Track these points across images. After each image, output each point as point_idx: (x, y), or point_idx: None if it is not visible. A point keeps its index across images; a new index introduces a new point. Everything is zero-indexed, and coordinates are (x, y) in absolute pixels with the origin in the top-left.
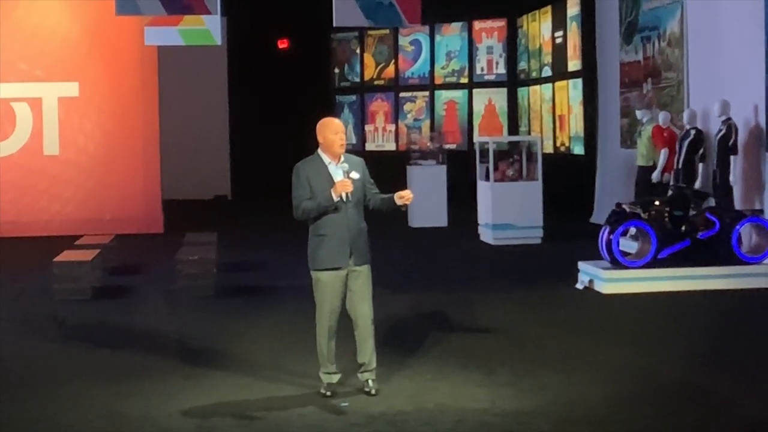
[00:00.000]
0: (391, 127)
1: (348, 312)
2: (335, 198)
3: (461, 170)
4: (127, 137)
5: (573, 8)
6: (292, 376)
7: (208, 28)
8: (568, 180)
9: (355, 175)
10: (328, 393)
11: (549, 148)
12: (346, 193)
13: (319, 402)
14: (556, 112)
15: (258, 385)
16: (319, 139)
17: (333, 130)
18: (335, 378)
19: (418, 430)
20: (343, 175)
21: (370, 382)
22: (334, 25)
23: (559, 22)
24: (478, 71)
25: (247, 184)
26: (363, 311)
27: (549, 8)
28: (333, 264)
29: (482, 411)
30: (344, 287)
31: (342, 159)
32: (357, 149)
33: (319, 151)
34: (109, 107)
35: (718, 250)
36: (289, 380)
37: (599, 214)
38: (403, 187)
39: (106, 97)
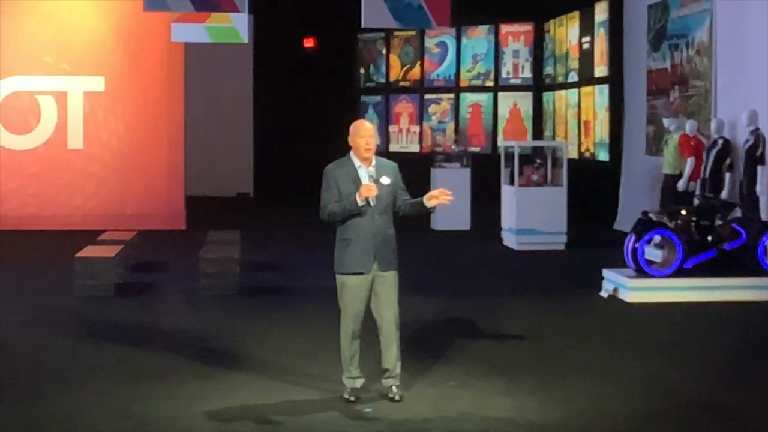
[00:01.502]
0: (416, 129)
1: (373, 317)
2: (360, 202)
3: (485, 174)
4: (152, 133)
5: (601, 14)
6: (315, 379)
7: (235, 25)
8: (592, 186)
9: (385, 180)
10: (352, 398)
11: (573, 154)
12: (372, 198)
13: (341, 407)
14: (582, 117)
15: (280, 388)
16: (349, 142)
17: (360, 134)
18: (358, 383)
19: None
20: (368, 179)
21: (394, 388)
22: (363, 26)
23: (587, 28)
24: (504, 75)
25: (270, 183)
26: (387, 317)
27: (577, 13)
28: (357, 269)
29: (507, 420)
30: (369, 292)
31: (373, 162)
32: (380, 150)
33: (351, 153)
34: (134, 103)
35: (744, 261)
36: (311, 384)
37: (623, 221)
38: (426, 189)
39: (132, 92)
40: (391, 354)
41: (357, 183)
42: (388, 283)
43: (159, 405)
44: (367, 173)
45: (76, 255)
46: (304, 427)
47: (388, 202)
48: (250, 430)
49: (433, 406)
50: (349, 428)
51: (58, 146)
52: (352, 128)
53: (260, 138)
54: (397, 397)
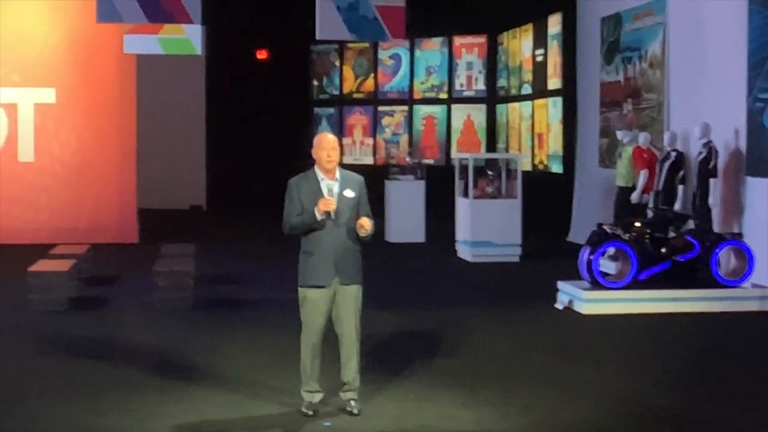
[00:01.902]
0: (369, 141)
1: (335, 330)
2: (318, 216)
3: (438, 186)
4: (104, 145)
5: (554, 27)
6: (273, 392)
7: (189, 37)
8: (545, 198)
9: (349, 193)
10: (310, 412)
11: (527, 166)
12: (331, 212)
13: (300, 421)
14: (535, 130)
15: (238, 401)
16: (313, 155)
17: (322, 146)
18: (317, 397)
19: None
20: (327, 193)
21: (352, 402)
22: (317, 38)
23: (540, 41)
24: (458, 87)
25: (223, 195)
26: (348, 330)
27: (530, 26)
28: (317, 282)
29: None
30: (330, 305)
31: (337, 175)
32: None
33: (315, 166)
34: (86, 115)
35: (698, 273)
36: (269, 397)
37: (576, 233)
38: (381, 201)
39: (83, 104)
40: (350, 367)
41: (318, 196)
42: (349, 297)
43: (117, 419)
44: (326, 186)
45: (29, 269)
46: None
47: (350, 216)
48: None
49: (392, 420)
50: None
51: (9, 159)
52: (315, 141)
53: (213, 150)
54: (355, 411)
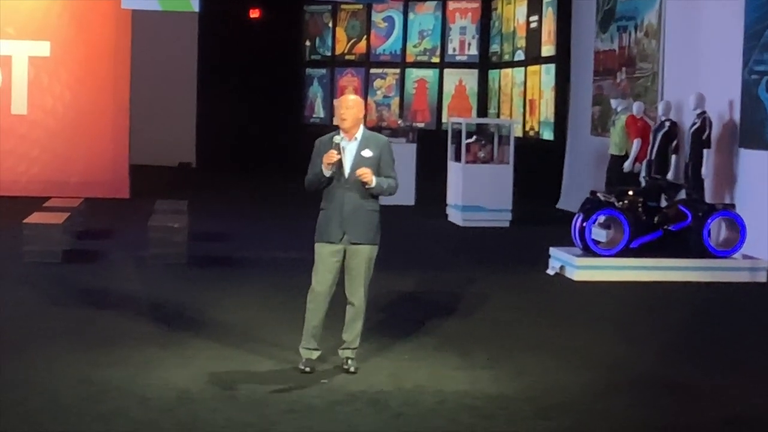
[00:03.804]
0: None
1: (345, 291)
2: (325, 171)
3: (428, 149)
4: (97, 100)
5: None
6: (270, 348)
7: None
8: (535, 165)
9: (367, 153)
10: (307, 369)
11: (518, 132)
12: (334, 165)
13: (298, 378)
14: (527, 96)
15: (236, 357)
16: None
17: (339, 106)
18: (315, 354)
19: (400, 409)
20: (335, 148)
21: (349, 360)
22: None
23: (535, 7)
24: (450, 51)
25: (212, 153)
26: (356, 291)
27: None
28: (327, 237)
29: (462, 393)
30: (340, 263)
31: (358, 135)
32: (324, 123)
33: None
34: (80, 69)
35: (689, 243)
36: (267, 353)
37: (566, 201)
38: None
39: (78, 58)
40: (354, 328)
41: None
42: (359, 257)
43: (117, 372)
44: (337, 142)
45: (24, 221)
46: (263, 398)
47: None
48: (209, 399)
49: (389, 379)
50: (307, 399)
51: (2, 111)
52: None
53: (203, 108)
54: (352, 369)
